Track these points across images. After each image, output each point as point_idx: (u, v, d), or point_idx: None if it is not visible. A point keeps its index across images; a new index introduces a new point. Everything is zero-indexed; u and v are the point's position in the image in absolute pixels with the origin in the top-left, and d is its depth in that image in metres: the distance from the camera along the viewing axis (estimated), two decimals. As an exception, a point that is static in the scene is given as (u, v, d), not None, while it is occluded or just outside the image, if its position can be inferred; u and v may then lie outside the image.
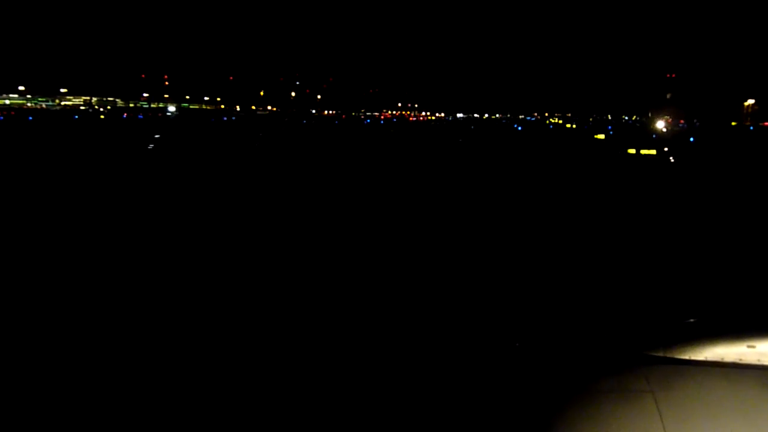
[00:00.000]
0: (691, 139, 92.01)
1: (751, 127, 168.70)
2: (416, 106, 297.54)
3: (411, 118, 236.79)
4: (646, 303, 14.67)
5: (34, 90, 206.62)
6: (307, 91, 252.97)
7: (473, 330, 12.84)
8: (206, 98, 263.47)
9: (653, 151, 67.43)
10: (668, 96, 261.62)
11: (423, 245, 20.98)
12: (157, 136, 79.86)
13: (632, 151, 66.95)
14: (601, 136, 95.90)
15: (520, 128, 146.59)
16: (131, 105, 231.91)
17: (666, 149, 69.79)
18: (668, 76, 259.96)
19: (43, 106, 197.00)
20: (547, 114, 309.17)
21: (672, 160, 60.22)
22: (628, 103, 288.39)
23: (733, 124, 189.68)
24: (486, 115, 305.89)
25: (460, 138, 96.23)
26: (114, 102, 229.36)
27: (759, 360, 5.13)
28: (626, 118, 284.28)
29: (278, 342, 12.20)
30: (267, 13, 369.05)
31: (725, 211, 30.41)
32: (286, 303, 14.43)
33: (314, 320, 13.28)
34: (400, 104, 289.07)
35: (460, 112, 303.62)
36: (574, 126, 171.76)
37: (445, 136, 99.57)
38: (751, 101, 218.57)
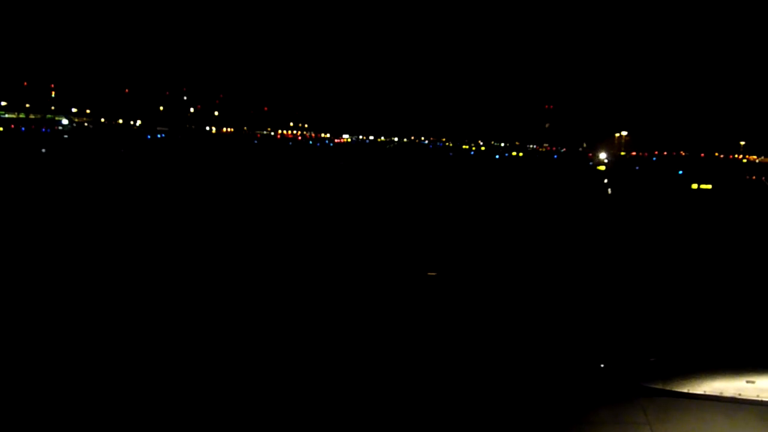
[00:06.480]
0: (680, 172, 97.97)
1: (654, 158, 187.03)
2: (306, 126, 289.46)
3: (337, 140, 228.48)
4: (646, 333, 14.11)
5: None
6: (198, 107, 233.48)
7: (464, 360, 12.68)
8: (74, 110, 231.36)
9: (709, 186, 71.70)
10: (547, 126, 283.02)
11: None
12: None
13: (695, 186, 71.01)
14: (602, 168, 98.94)
15: (497, 156, 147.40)
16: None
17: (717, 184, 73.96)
18: (547, 107, 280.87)
19: None
20: (424, 138, 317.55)
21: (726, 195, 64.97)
22: (503, 130, 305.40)
23: (622, 154, 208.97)
24: (371, 137, 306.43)
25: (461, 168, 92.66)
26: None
27: (758, 396, 5.07)
28: (502, 144, 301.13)
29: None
30: (151, 23, 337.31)
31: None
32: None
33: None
34: (291, 123, 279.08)
35: (345, 134, 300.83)
36: (520, 154, 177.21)
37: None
38: (624, 132, 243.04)
